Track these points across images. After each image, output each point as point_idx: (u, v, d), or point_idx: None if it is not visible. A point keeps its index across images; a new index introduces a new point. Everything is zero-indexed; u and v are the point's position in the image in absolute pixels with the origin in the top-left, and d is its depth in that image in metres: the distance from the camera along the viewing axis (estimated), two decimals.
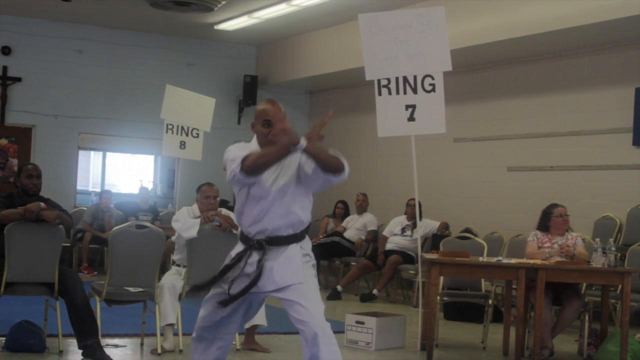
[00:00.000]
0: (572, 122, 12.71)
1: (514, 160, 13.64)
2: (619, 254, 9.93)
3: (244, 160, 5.21)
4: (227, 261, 5.55)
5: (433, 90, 9.18)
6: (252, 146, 5.47)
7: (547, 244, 8.99)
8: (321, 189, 5.47)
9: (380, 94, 9.47)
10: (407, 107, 9.27)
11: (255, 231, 5.43)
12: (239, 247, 5.53)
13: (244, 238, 5.52)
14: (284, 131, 5.16)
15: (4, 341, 7.62)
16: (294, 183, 5.43)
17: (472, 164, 14.35)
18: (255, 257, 5.39)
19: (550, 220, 9.11)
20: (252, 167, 5.21)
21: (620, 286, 8.84)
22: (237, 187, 5.46)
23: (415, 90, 9.23)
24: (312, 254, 5.56)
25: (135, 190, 17.46)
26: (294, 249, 5.44)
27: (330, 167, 5.31)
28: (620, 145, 12.00)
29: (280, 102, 17.08)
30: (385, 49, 9.41)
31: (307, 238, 5.56)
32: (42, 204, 7.48)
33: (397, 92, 9.29)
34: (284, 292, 5.35)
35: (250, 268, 5.39)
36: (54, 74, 16.68)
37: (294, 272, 5.38)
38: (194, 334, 5.62)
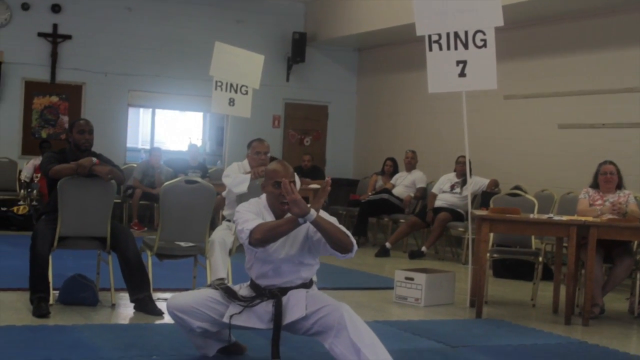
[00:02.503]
0: (625, 78, 12.53)
1: (565, 118, 13.49)
2: None
3: (252, 232, 5.35)
4: (235, 289, 5.77)
5: (484, 45, 9.09)
6: (262, 206, 5.64)
7: (599, 202, 8.92)
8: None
9: (430, 49, 9.40)
10: (458, 62, 9.20)
11: (265, 285, 5.65)
12: (246, 291, 5.71)
13: (254, 285, 5.71)
14: (295, 202, 5.22)
15: (57, 294, 7.72)
16: (300, 251, 5.60)
17: (523, 121, 14.22)
18: (268, 301, 5.60)
19: (598, 177, 9.05)
20: (261, 241, 5.36)
21: None
22: None
23: (466, 46, 9.15)
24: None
25: (184, 147, 17.55)
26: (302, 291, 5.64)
27: (339, 243, 5.38)
28: None
29: (329, 59, 17.07)
30: (436, 4, 9.33)
31: (314, 284, 5.85)
32: (95, 159, 7.54)
33: (448, 48, 9.21)
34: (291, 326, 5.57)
35: (263, 309, 5.59)
36: (103, 32, 16.74)
37: (299, 308, 5.52)
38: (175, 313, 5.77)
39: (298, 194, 5.30)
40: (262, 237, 5.35)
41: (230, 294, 5.68)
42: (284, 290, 5.61)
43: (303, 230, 5.53)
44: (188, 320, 5.69)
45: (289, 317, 5.50)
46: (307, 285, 5.71)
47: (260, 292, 5.64)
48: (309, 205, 5.27)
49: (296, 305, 5.50)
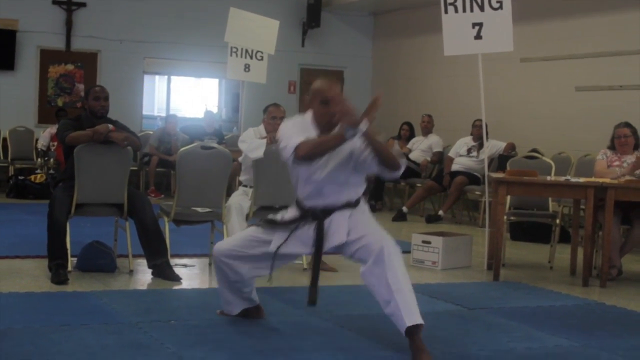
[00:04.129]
0: None
1: (582, 80, 13.41)
2: None
3: (297, 148, 5.17)
4: (277, 218, 5.62)
5: (500, 7, 9.05)
6: (307, 124, 5.42)
7: (616, 163, 8.88)
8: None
9: (446, 11, 9.36)
10: (474, 25, 9.16)
11: (309, 205, 5.47)
12: (293, 212, 5.55)
13: (299, 206, 5.54)
14: (347, 113, 5.07)
15: (75, 261, 7.75)
16: (345, 167, 5.38)
17: (540, 84, 14.15)
18: (311, 224, 5.45)
19: (614, 140, 9.02)
20: (306, 157, 5.20)
21: None
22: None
23: (482, 8, 9.11)
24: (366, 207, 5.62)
25: (200, 114, 17.55)
26: (345, 213, 5.45)
27: (387, 161, 5.26)
28: None
29: (344, 24, 17.02)
30: None
31: (362, 201, 5.59)
32: (111, 126, 7.55)
33: (464, 10, 9.17)
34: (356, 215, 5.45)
35: (305, 234, 5.46)
36: None
37: (339, 234, 5.41)
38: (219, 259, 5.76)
39: (350, 104, 5.15)
40: (307, 153, 5.18)
41: (272, 225, 5.57)
42: (328, 212, 5.43)
43: (347, 148, 5.30)
44: (234, 264, 5.66)
45: (330, 242, 5.41)
46: (352, 205, 5.48)
47: (304, 213, 5.48)
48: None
49: (337, 231, 5.38)
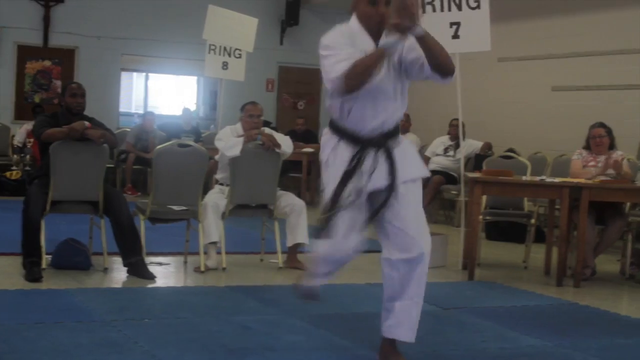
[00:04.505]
0: (619, 40, 12.51)
1: (559, 80, 13.48)
2: None
3: (345, 78, 4.58)
4: (339, 168, 4.86)
5: (478, 7, 9.06)
6: (355, 31, 4.80)
7: (592, 163, 8.93)
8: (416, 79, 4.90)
9: (424, 11, 9.35)
10: (452, 24, 9.16)
11: (364, 133, 4.83)
12: (349, 149, 4.84)
13: (354, 138, 4.84)
14: (404, 9, 4.42)
15: (50, 259, 7.72)
16: (397, 77, 4.85)
17: (517, 84, 14.21)
18: (375, 154, 4.82)
19: (590, 141, 9.08)
20: (356, 86, 4.61)
21: None
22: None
23: (459, 7, 9.11)
24: None
25: (178, 111, 17.51)
26: (404, 141, 4.99)
27: (443, 63, 4.67)
28: None
29: (323, 22, 16.97)
30: None
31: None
32: (87, 123, 7.53)
33: (442, 9, 9.17)
34: (407, 186, 4.89)
35: (378, 164, 4.81)
36: None
37: (418, 164, 5.02)
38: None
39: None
40: (357, 82, 4.57)
41: (335, 199, 4.87)
42: (385, 138, 4.86)
43: (395, 53, 4.75)
44: (341, 251, 5.13)
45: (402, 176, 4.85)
46: (398, 130, 4.98)
47: (364, 145, 4.83)
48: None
49: (411, 164, 4.91)
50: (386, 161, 4.83)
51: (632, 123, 11.89)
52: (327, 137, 4.98)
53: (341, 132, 4.89)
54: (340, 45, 4.73)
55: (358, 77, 4.58)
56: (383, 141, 4.84)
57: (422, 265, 4.91)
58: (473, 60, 12.68)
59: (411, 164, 4.95)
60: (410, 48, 4.72)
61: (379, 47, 4.62)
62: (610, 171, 8.73)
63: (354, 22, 4.86)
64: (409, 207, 4.90)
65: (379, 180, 4.82)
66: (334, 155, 4.91)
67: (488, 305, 7.19)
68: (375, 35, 4.75)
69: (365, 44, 4.74)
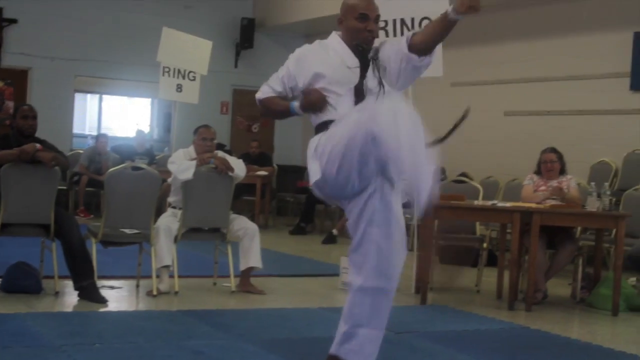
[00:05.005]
0: (570, 66, 12.67)
1: (511, 105, 13.62)
2: (613, 199, 9.93)
3: (260, 104, 4.92)
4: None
5: None
6: (334, 44, 4.89)
7: (542, 187, 9.02)
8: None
9: (377, 36, 9.40)
10: None
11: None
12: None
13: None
14: None
15: (0, 282, 7.65)
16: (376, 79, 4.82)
17: (470, 108, 14.29)
18: None
19: (541, 165, 9.16)
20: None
21: (614, 230, 8.87)
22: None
23: None
24: None
25: (131, 133, 17.44)
26: None
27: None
28: (618, 90, 11.99)
29: (277, 45, 16.93)
30: None
31: None
32: (38, 145, 7.47)
33: (394, 34, 9.23)
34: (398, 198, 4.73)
35: None
36: (50, 16, 16.57)
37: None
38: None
39: None
40: (264, 113, 5.06)
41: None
42: None
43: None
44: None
45: None
46: None
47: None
48: None
49: None
50: None
51: (582, 148, 12.04)
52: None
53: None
54: (286, 66, 5.01)
55: (265, 112, 5.04)
56: None
57: (393, 295, 4.81)
58: (426, 85, 12.74)
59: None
60: (389, 58, 4.78)
61: (291, 106, 4.84)
62: (567, 193, 8.83)
63: (334, 38, 4.94)
64: (399, 226, 4.72)
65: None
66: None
67: (440, 329, 7.22)
68: (359, 52, 4.81)
69: (348, 61, 4.81)
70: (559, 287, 9.59)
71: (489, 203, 8.79)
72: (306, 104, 4.78)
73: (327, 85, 4.80)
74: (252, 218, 12.58)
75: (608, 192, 8.60)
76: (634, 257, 8.83)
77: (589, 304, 8.74)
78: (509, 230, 9.15)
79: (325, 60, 4.87)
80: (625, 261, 8.58)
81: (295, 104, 4.84)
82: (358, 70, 4.82)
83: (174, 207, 8.44)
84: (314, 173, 4.70)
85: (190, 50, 13.25)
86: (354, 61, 4.82)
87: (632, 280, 9.25)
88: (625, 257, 8.63)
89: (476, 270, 9.66)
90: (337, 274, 9.04)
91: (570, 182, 8.99)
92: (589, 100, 12.37)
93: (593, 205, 8.49)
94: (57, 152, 7.63)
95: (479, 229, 9.99)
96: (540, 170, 9.18)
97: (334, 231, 13.24)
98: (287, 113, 4.91)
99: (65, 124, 16.90)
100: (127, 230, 8.07)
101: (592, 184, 8.93)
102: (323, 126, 4.77)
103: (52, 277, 7.71)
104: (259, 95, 5.02)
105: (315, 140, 4.76)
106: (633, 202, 9.81)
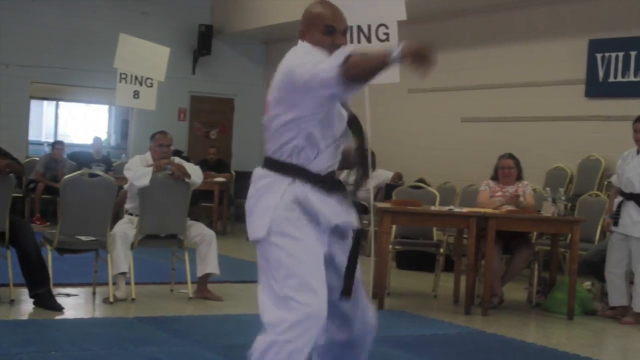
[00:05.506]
0: (526, 73, 12.77)
1: (468, 111, 13.70)
2: (569, 204, 10.05)
3: (346, 61, 3.77)
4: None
5: (387, 39, 9.16)
6: (316, 55, 4.05)
7: (499, 193, 9.07)
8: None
9: None
10: None
11: (326, 167, 4.17)
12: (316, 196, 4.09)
13: (319, 180, 4.13)
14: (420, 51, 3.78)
15: None
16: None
17: (426, 115, 14.38)
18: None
19: (498, 171, 9.23)
20: (358, 78, 3.85)
21: (569, 235, 8.96)
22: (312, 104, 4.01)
23: (369, 40, 9.21)
24: None
25: (88, 140, 17.33)
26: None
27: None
28: (573, 96, 12.08)
29: (235, 52, 16.86)
30: None
31: None
32: None
33: (351, 41, 9.23)
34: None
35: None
36: (5, 22, 16.41)
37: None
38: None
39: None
40: (360, 72, 3.83)
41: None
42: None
43: None
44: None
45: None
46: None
47: (330, 186, 4.15)
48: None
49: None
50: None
51: (538, 154, 12.13)
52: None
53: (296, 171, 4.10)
54: (312, 53, 4.08)
55: (358, 69, 3.81)
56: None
57: (370, 338, 4.43)
58: (383, 92, 12.83)
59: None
60: None
61: (389, 54, 3.77)
62: (522, 199, 8.90)
63: (306, 44, 4.19)
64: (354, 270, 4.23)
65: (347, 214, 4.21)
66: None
67: (397, 334, 7.24)
68: None
69: None
70: (515, 292, 9.66)
71: (446, 208, 8.84)
72: (416, 50, 3.83)
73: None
74: (210, 224, 12.52)
75: (563, 198, 8.68)
76: (588, 262, 8.93)
77: (545, 308, 8.82)
78: (465, 236, 9.21)
79: None
80: (580, 266, 8.67)
81: (398, 51, 3.77)
82: None
83: (131, 214, 8.40)
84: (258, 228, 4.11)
85: (148, 56, 13.22)
86: None
87: (587, 284, 9.35)
88: (580, 262, 8.73)
89: (433, 275, 9.70)
90: None
91: (527, 189, 9.06)
92: (545, 107, 12.47)
93: (548, 210, 8.57)
94: (11, 159, 7.57)
95: (436, 234, 10.04)
96: (497, 176, 9.23)
97: None
98: (387, 63, 3.78)
99: (21, 130, 16.74)
100: (83, 238, 8.03)
101: (548, 189, 9.02)
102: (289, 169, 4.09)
103: (7, 285, 7.65)
104: (335, 62, 3.81)
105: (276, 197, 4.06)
106: (588, 208, 9.90)
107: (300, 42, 4.22)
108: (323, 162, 4.14)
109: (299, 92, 4.00)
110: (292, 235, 4.01)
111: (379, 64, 3.79)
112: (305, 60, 3.99)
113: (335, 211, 4.15)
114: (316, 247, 4.06)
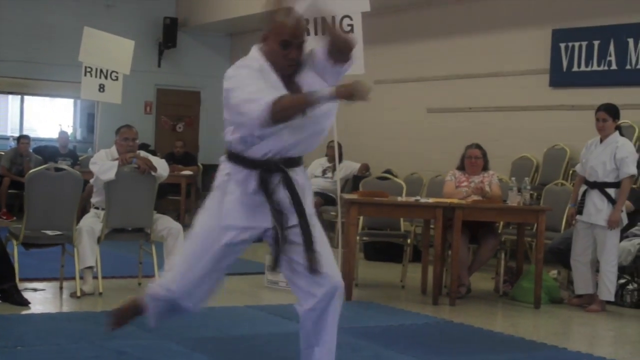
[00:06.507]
0: (490, 63, 12.83)
1: (434, 102, 13.75)
2: (534, 193, 10.11)
3: (274, 105, 4.22)
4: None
5: (351, 31, 9.15)
6: (265, 67, 4.44)
7: (465, 183, 9.11)
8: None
9: (300, 62, 9.42)
10: None
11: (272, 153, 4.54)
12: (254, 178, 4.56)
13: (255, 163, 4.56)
14: (356, 90, 4.28)
15: None
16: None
17: (392, 106, 14.41)
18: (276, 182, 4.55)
19: (465, 161, 9.26)
20: (281, 119, 4.29)
21: (535, 224, 9.01)
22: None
23: None
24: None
25: (54, 134, 17.24)
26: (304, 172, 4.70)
27: (343, 49, 4.50)
28: (537, 86, 12.17)
29: (201, 44, 16.81)
30: None
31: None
32: None
33: (315, 33, 9.25)
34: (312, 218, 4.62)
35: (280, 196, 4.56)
36: None
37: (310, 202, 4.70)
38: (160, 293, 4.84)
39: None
40: (284, 115, 4.26)
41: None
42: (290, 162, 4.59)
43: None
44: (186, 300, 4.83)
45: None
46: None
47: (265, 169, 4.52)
48: None
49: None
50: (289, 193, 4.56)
51: (504, 144, 12.19)
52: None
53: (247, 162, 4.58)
54: (252, 77, 4.40)
55: (286, 112, 4.26)
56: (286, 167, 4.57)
57: (339, 300, 4.69)
58: None
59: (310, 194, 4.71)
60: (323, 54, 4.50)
61: (314, 95, 4.28)
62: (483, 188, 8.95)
63: (257, 55, 4.51)
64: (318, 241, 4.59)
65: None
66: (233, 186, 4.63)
67: (364, 324, 7.27)
68: (282, 72, 4.47)
69: (272, 79, 4.44)
70: (482, 281, 9.72)
71: (412, 199, 8.87)
72: (348, 91, 4.28)
73: None
74: (178, 218, 12.50)
75: (529, 187, 8.74)
76: (554, 250, 9.01)
77: (512, 297, 8.88)
78: (432, 226, 9.24)
79: (266, 77, 4.46)
80: (546, 254, 8.75)
81: (328, 91, 4.29)
82: None
83: (97, 208, 8.36)
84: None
85: (113, 49, 13.16)
86: (279, 83, 4.47)
87: (554, 273, 9.42)
88: (546, 250, 8.80)
89: (401, 266, 9.73)
90: (262, 272, 9.06)
91: (492, 179, 9.10)
92: (510, 97, 12.54)
93: (514, 200, 8.63)
94: None
95: (404, 225, 10.07)
96: (463, 166, 9.27)
97: None
98: (314, 103, 4.28)
99: None
100: (50, 232, 7.99)
101: (513, 179, 9.07)
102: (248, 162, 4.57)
103: None
104: (266, 101, 4.25)
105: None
106: (553, 197, 9.96)
107: (253, 49, 4.54)
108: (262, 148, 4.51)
109: (234, 114, 4.47)
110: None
111: (307, 106, 4.28)
112: (244, 85, 4.36)
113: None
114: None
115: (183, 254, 4.93)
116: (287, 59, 4.44)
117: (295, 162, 4.61)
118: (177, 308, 4.85)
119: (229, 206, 4.62)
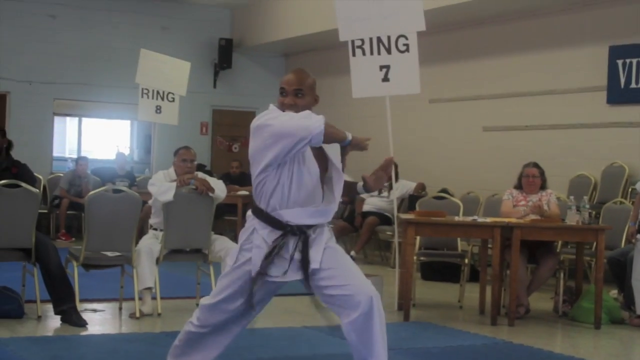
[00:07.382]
0: (547, 81, 12.75)
1: (489, 120, 13.68)
2: (593, 212, 10.01)
3: (326, 122, 4.64)
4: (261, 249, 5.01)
5: (407, 50, 9.16)
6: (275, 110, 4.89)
7: (522, 202, 9.04)
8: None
9: (354, 54, 9.45)
10: (381, 67, 9.26)
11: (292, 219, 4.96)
12: (272, 234, 4.97)
13: (276, 222, 4.99)
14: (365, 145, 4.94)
15: None
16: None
17: (448, 125, 14.38)
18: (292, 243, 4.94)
19: (522, 180, 9.19)
20: (330, 135, 4.68)
21: (594, 243, 8.92)
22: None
23: (389, 51, 9.21)
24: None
25: (112, 156, 17.42)
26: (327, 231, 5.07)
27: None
28: (594, 103, 12.06)
29: (256, 65, 16.96)
30: (358, 9, 9.38)
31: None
32: None
33: (372, 53, 9.27)
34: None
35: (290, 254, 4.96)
36: (27, 40, 16.54)
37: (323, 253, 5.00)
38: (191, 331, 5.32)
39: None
40: (331, 132, 4.68)
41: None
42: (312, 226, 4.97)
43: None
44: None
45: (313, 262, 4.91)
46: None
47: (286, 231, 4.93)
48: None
49: (315, 254, 4.93)
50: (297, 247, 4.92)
51: (561, 162, 12.10)
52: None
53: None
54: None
55: (332, 130, 4.68)
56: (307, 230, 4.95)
57: (379, 309, 4.77)
58: (405, 102, 12.84)
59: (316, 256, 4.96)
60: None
61: (347, 137, 4.80)
62: (546, 208, 8.87)
63: (273, 107, 4.94)
64: (338, 266, 4.92)
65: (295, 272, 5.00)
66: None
67: (423, 345, 7.23)
68: None
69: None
70: (541, 301, 9.62)
71: (470, 219, 8.82)
72: (356, 142, 4.90)
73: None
74: (234, 238, 12.49)
75: (587, 206, 8.64)
76: (613, 260, 8.91)
77: (572, 317, 8.78)
78: (490, 246, 9.18)
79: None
80: (605, 265, 8.63)
81: (350, 136, 4.84)
82: None
83: (155, 229, 8.43)
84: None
85: (169, 71, 13.29)
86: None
87: (614, 292, 9.31)
88: (605, 262, 8.68)
89: (458, 286, 9.68)
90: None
91: (551, 197, 9.02)
92: (567, 115, 12.45)
93: (573, 219, 8.54)
94: (31, 179, 7.64)
95: (461, 244, 10.02)
96: (520, 185, 9.20)
97: (352, 253, 12.87)
98: (342, 137, 4.82)
99: (45, 147, 16.85)
100: (109, 253, 8.06)
101: (571, 197, 8.98)
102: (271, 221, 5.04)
103: (34, 302, 7.68)
104: (321, 117, 4.66)
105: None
106: (612, 215, 9.86)
107: (271, 105, 4.96)
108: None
109: (274, 137, 4.75)
110: None
111: (338, 138, 4.77)
112: (283, 114, 4.78)
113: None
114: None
115: None
116: (284, 105, 4.85)
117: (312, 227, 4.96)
118: None
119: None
